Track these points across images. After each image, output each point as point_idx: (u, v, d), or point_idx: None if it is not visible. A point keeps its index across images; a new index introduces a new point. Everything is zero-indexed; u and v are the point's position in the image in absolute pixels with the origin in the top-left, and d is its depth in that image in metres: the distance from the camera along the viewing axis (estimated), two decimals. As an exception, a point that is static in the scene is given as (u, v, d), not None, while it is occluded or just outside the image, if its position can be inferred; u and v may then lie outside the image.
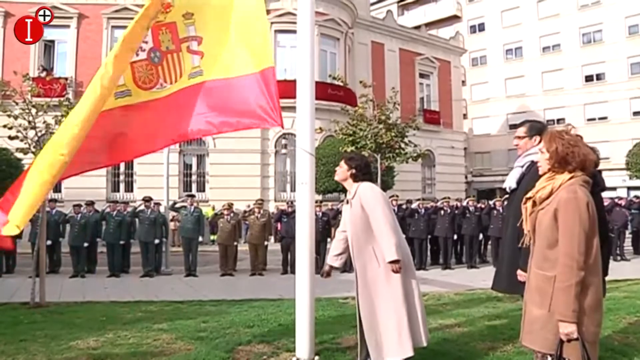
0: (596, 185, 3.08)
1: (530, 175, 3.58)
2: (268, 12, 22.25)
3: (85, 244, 12.44)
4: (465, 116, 40.31)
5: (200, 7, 3.75)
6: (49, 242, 11.64)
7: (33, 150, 10.17)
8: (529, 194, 2.86)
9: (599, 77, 37.82)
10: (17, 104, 9.83)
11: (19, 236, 12.51)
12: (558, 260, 2.60)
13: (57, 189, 22.26)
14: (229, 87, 3.61)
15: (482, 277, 10.87)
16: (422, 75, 32.81)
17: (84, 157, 3.55)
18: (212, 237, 19.12)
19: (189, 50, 3.72)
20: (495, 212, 13.81)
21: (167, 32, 3.73)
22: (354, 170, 4.18)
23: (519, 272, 3.27)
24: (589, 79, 38.24)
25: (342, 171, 4.23)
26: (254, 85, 3.53)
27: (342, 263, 4.49)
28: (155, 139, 3.74)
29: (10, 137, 9.58)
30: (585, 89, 37.85)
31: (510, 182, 3.90)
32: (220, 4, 3.73)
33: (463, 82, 39.02)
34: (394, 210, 11.53)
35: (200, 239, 13.08)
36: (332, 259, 4.45)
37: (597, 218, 2.66)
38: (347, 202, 4.26)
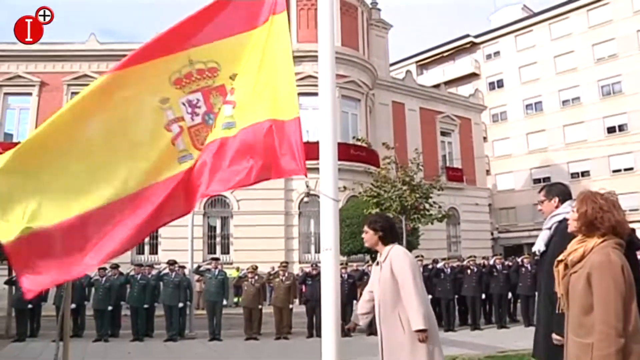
0: (631, 244, 3.00)
1: (558, 236, 3.54)
2: (289, 75, 22.83)
3: (110, 307, 12.41)
4: (488, 172, 40.13)
5: (242, 66, 3.83)
6: (73, 306, 11.66)
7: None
8: (561, 257, 2.78)
9: (621, 128, 37.60)
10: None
11: (44, 299, 12.72)
12: (594, 326, 2.49)
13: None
14: (254, 134, 3.59)
15: (514, 338, 10.52)
16: (443, 133, 32.99)
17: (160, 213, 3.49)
18: (235, 299, 18.93)
19: (224, 101, 3.73)
20: (523, 269, 13.49)
21: (217, 94, 3.79)
22: (380, 234, 4.17)
23: (554, 336, 3.17)
24: (611, 130, 38.02)
25: (369, 237, 4.22)
26: (278, 134, 3.52)
27: (367, 323, 4.45)
28: (192, 195, 3.69)
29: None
30: (608, 140, 37.57)
31: (539, 246, 3.87)
32: (254, 57, 3.79)
33: (484, 138, 39.07)
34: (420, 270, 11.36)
35: (225, 302, 12.96)
36: (358, 318, 4.43)
37: (634, 280, 2.55)
38: (378, 264, 4.21)
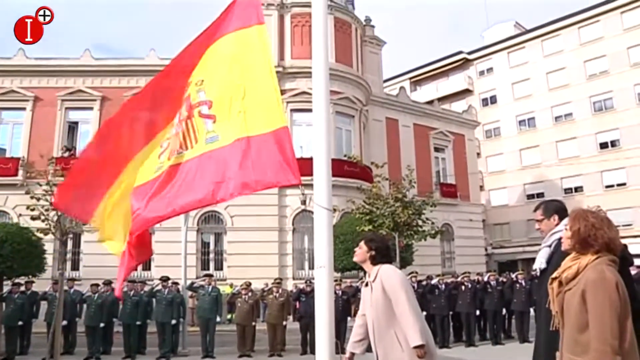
0: (624, 260, 3.00)
1: (559, 253, 3.53)
2: (284, 92, 22.87)
3: (102, 324, 12.28)
4: (482, 188, 40.22)
5: (209, 72, 3.88)
6: (64, 322, 11.53)
7: (53, 230, 10.30)
8: (555, 274, 2.77)
9: (613, 143, 37.81)
10: (40, 185, 10.09)
11: (35, 315, 12.56)
12: (590, 344, 2.48)
13: (75, 267, 22.51)
14: (242, 148, 3.61)
15: (509, 354, 10.47)
16: (437, 149, 33.07)
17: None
18: (228, 316, 18.77)
19: (200, 114, 3.78)
20: (518, 285, 13.47)
21: (185, 103, 3.89)
22: (373, 252, 4.11)
23: (558, 354, 3.15)
24: (603, 146, 38.23)
25: (361, 252, 4.17)
26: (268, 145, 3.53)
27: (364, 349, 4.30)
28: (174, 204, 3.73)
29: (33, 218, 9.75)
30: (601, 156, 37.78)
31: (539, 263, 3.83)
32: (228, 67, 3.83)
33: (478, 154, 39.22)
34: (414, 287, 11.33)
35: (218, 319, 12.85)
36: (353, 346, 4.27)
37: (628, 296, 2.54)
38: (367, 285, 4.16)
